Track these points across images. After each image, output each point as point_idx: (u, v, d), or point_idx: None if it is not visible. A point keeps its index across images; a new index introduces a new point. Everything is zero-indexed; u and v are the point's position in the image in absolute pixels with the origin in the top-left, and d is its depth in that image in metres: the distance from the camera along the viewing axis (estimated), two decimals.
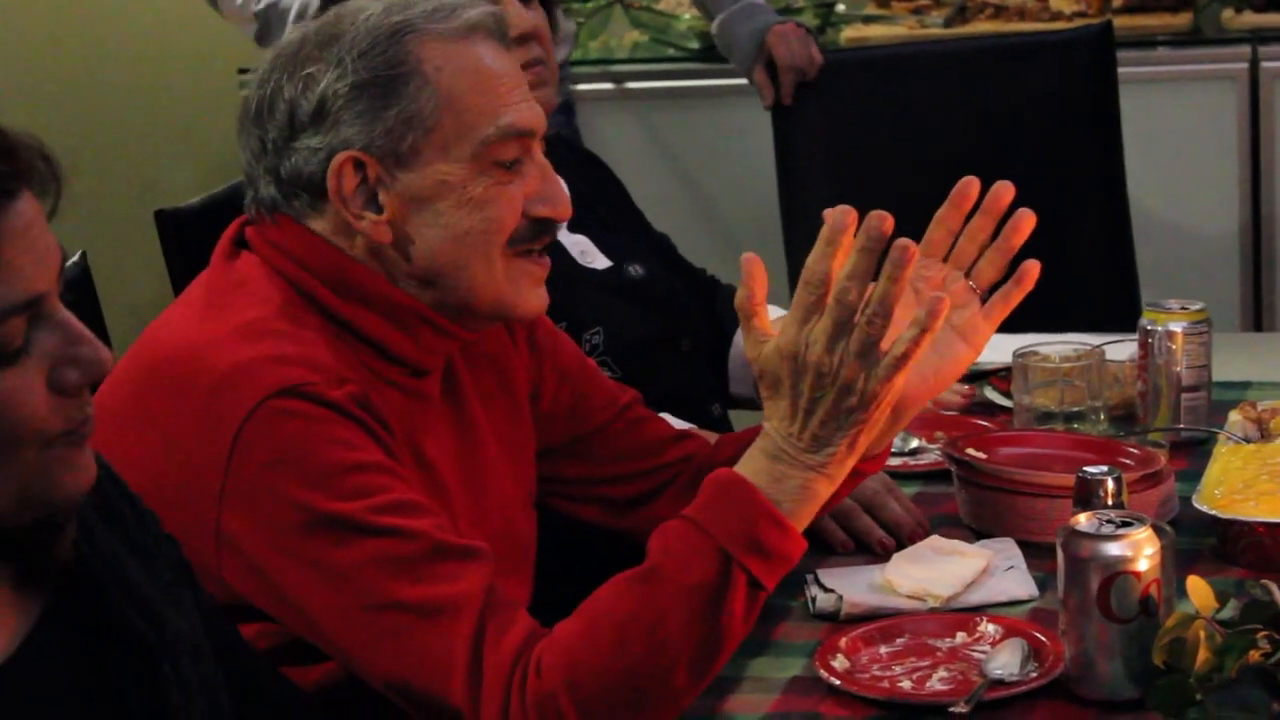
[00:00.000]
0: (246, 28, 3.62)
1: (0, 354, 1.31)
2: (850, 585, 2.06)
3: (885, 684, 1.86)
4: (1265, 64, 4.09)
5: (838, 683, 1.86)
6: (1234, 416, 2.38)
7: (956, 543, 2.13)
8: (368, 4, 1.88)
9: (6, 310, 1.31)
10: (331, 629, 1.74)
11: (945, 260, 1.93)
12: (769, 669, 1.94)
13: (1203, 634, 1.72)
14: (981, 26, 4.33)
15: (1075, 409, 2.41)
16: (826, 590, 2.06)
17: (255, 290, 1.86)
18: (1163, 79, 4.14)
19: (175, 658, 1.46)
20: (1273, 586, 1.77)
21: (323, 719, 1.76)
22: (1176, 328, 2.43)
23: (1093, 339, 2.55)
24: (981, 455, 2.25)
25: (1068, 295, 3.18)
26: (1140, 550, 1.79)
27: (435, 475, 1.89)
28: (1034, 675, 1.84)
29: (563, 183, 1.91)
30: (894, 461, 2.39)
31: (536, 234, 1.89)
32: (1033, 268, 1.87)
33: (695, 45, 4.33)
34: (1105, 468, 1.98)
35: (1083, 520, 1.82)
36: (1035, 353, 2.45)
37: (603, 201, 2.74)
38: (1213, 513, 2.10)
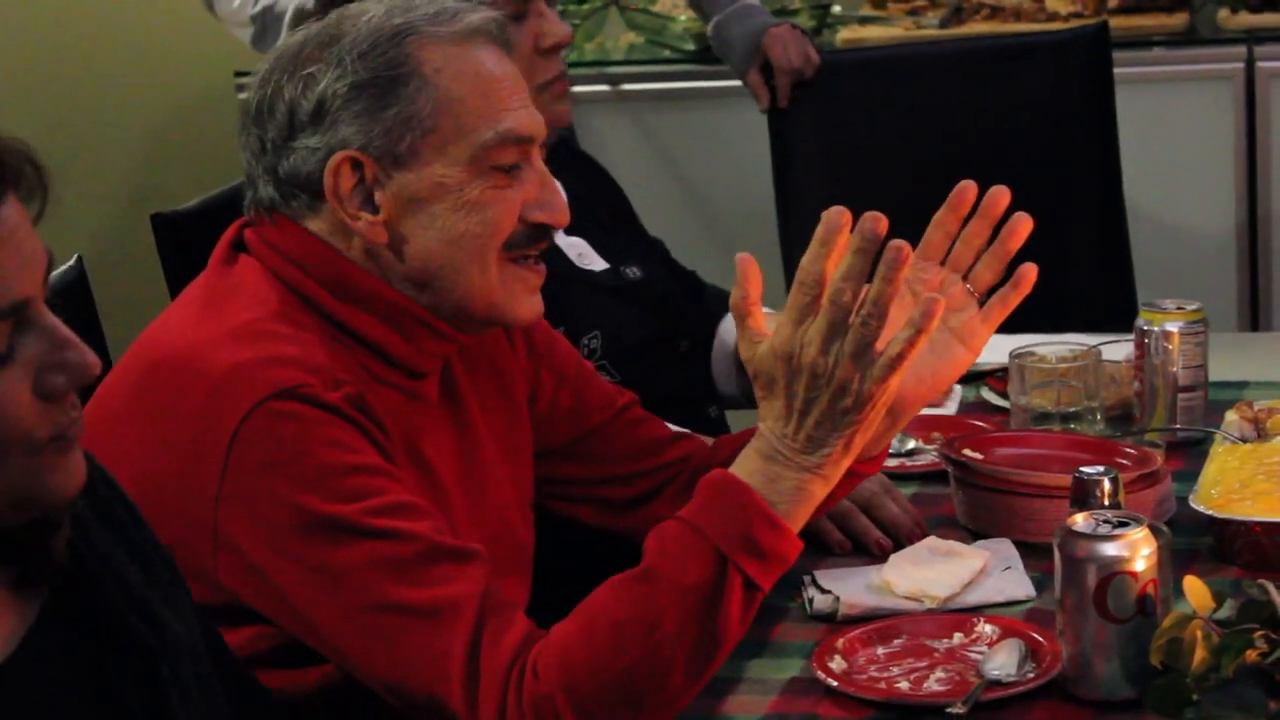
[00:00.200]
0: (242, 31, 3.61)
1: None
2: (847, 586, 2.06)
3: (883, 685, 1.86)
4: (1261, 64, 4.09)
5: (835, 684, 1.86)
6: (1230, 416, 2.38)
7: (953, 543, 2.13)
8: (369, 6, 1.88)
9: None
10: (328, 631, 1.74)
11: (943, 263, 1.94)
12: (766, 670, 1.94)
13: (1200, 634, 1.73)
14: (977, 27, 4.33)
15: (1072, 409, 2.41)
16: (824, 591, 2.06)
17: (252, 292, 1.86)
18: (1159, 79, 4.14)
19: (174, 659, 1.46)
20: (1269, 586, 1.77)
21: None
22: (1173, 328, 2.43)
23: (1089, 339, 2.55)
24: (978, 456, 2.25)
25: (1064, 295, 3.17)
26: (1137, 550, 1.79)
27: (434, 477, 1.89)
28: (1031, 676, 1.84)
29: (561, 189, 1.91)
30: (891, 462, 2.39)
31: (533, 240, 1.89)
32: (1030, 271, 1.87)
33: (691, 47, 4.33)
34: (1102, 468, 1.98)
35: (1079, 520, 1.82)
36: (1032, 353, 2.45)
37: (600, 204, 2.74)
38: (1209, 512, 2.10)
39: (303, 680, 1.80)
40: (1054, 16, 4.29)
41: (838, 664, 1.90)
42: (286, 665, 1.80)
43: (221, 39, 4.00)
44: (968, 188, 1.90)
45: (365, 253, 1.86)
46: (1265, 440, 2.30)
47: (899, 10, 4.50)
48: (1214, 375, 2.49)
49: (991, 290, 1.93)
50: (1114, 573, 1.78)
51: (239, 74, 4.33)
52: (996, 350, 2.28)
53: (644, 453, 2.12)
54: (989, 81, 3.72)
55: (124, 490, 1.55)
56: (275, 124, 1.86)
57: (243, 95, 4.00)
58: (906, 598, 2.04)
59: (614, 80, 4.32)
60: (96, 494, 1.49)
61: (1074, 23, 4.13)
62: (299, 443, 1.74)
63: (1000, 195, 1.90)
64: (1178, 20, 4.24)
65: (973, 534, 2.21)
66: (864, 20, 4.48)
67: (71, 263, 2.42)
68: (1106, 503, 1.94)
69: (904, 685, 1.86)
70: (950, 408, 2.63)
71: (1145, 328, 2.44)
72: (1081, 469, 1.98)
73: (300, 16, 3.41)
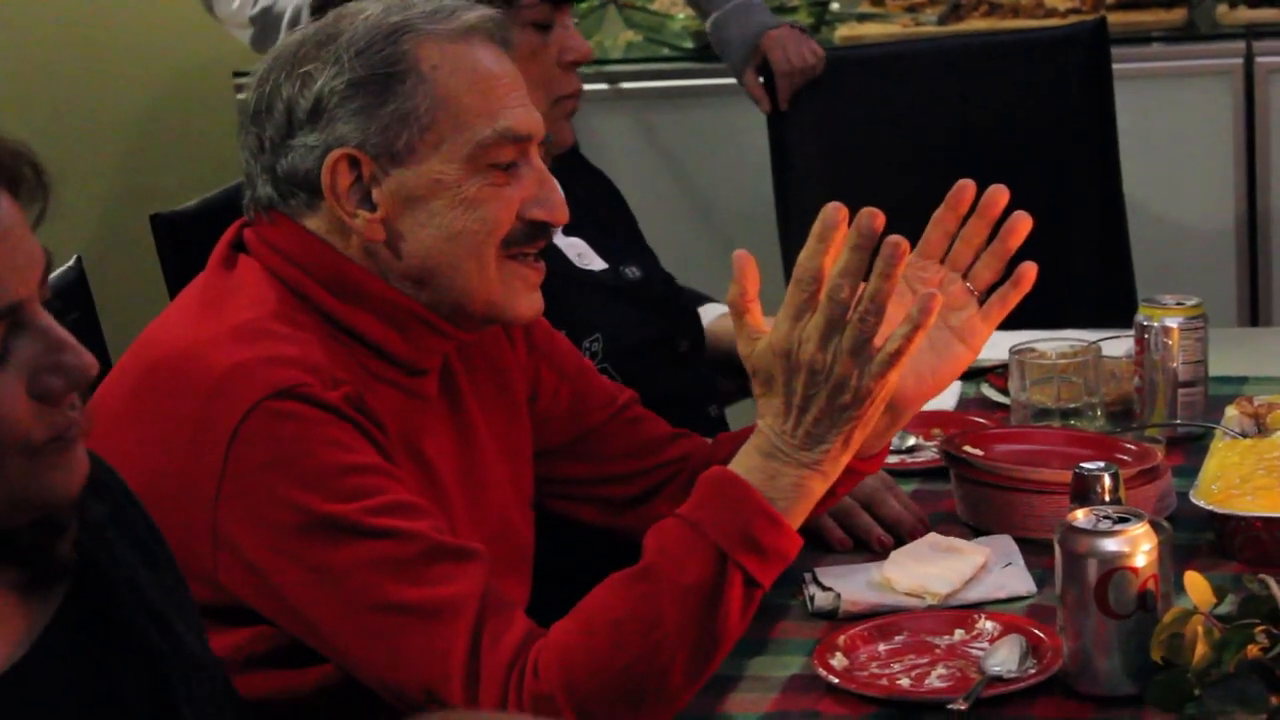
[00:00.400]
0: (241, 33, 3.61)
1: None
2: (848, 583, 2.06)
3: (884, 681, 1.86)
4: (1260, 59, 4.08)
5: (836, 681, 1.86)
6: (1230, 411, 2.38)
7: (954, 540, 2.13)
8: (367, 5, 1.88)
9: None
10: (328, 630, 1.74)
11: (942, 262, 1.94)
12: (768, 667, 1.93)
13: (1200, 629, 1.73)
14: (976, 24, 4.33)
15: (1072, 405, 2.41)
16: (825, 588, 2.06)
17: (251, 291, 1.86)
18: (1158, 75, 4.14)
19: (186, 673, 1.45)
20: (1270, 581, 1.77)
21: None
22: (1173, 323, 2.43)
23: (1089, 335, 2.55)
24: (979, 452, 2.25)
25: (1064, 291, 3.18)
26: (1138, 546, 1.79)
27: (434, 476, 1.89)
28: (1032, 671, 1.84)
29: (559, 188, 1.91)
30: (892, 459, 2.38)
31: (531, 237, 1.89)
32: (1030, 270, 1.87)
33: (689, 45, 4.33)
34: (1102, 464, 1.98)
35: (1080, 516, 1.82)
36: (1032, 349, 2.45)
37: (598, 205, 2.74)
38: (1210, 508, 2.10)
39: (302, 680, 1.80)
40: (1052, 13, 4.28)
41: (839, 661, 1.90)
42: (286, 665, 1.79)
43: (221, 40, 4.00)
44: (966, 186, 1.90)
45: (363, 250, 1.86)
46: (1265, 435, 2.30)
47: (897, 7, 4.50)
48: (1214, 370, 2.49)
49: (991, 289, 1.94)
50: (1114, 568, 1.78)
51: (238, 74, 4.33)
52: (997, 346, 2.28)
53: (644, 451, 2.12)
54: (987, 78, 3.72)
55: (140, 503, 1.53)
56: (273, 123, 1.86)
57: (241, 95, 4.00)
58: (907, 594, 2.04)
59: (612, 79, 4.31)
60: (118, 506, 1.48)
61: (1072, 19, 4.13)
62: (298, 442, 1.74)
63: (999, 194, 1.90)
64: (1176, 16, 4.23)
65: (973, 530, 2.21)
66: (862, 17, 4.48)
67: (70, 263, 2.42)
68: (1107, 498, 1.94)
69: (905, 682, 1.86)
70: (949, 402, 2.63)
71: (1145, 323, 2.44)
72: (1082, 465, 1.98)
73: (298, 19, 3.41)
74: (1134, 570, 1.78)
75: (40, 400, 1.33)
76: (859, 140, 3.72)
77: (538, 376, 2.08)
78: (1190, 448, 2.38)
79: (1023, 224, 1.90)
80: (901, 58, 3.86)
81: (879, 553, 2.16)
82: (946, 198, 1.91)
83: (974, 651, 1.91)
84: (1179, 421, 2.43)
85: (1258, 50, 4.09)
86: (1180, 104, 4.12)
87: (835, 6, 4.50)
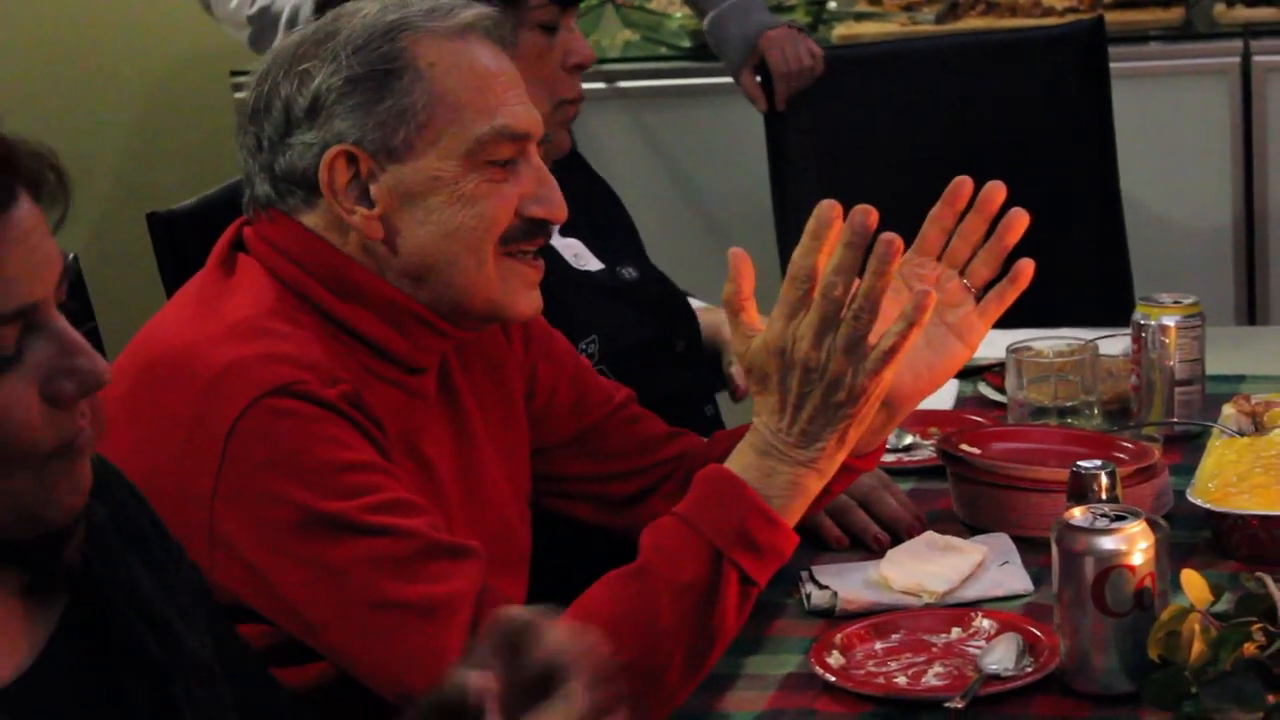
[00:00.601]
0: (239, 32, 3.61)
1: None
2: (845, 581, 2.06)
3: (881, 680, 1.86)
4: (1257, 58, 4.08)
5: (833, 679, 1.86)
6: (1228, 410, 2.38)
7: (951, 538, 2.13)
8: (365, 4, 1.88)
9: None
10: (325, 628, 1.74)
11: (939, 259, 1.94)
12: (764, 666, 1.93)
13: (1197, 627, 1.73)
14: (973, 23, 4.33)
15: (1069, 404, 2.41)
16: (821, 586, 2.05)
17: (249, 290, 1.86)
18: (1155, 74, 4.14)
19: (187, 680, 1.44)
20: (1267, 579, 1.77)
21: None
22: (1170, 322, 2.43)
23: (1086, 334, 2.55)
24: (975, 451, 2.25)
25: (1061, 290, 3.17)
26: (1134, 544, 1.79)
27: (432, 474, 1.89)
28: (1029, 670, 1.84)
29: (558, 187, 1.91)
30: (888, 458, 2.39)
31: (530, 234, 1.89)
32: (1027, 266, 1.88)
33: (687, 44, 4.33)
34: (1099, 462, 1.98)
35: (1077, 514, 1.82)
36: (1029, 348, 2.45)
37: (595, 205, 2.74)
38: (1207, 506, 2.10)
39: (301, 678, 1.80)
40: (1050, 11, 4.28)
41: (835, 659, 1.90)
42: (284, 663, 1.79)
43: (218, 39, 4.00)
44: (963, 183, 1.90)
45: (362, 247, 1.86)
46: (1262, 434, 2.30)
47: (894, 6, 4.50)
48: (1211, 369, 2.49)
49: (988, 285, 1.94)
50: (1111, 566, 1.78)
51: (235, 73, 4.33)
52: (993, 345, 2.28)
53: (641, 449, 2.12)
54: (985, 77, 3.72)
55: (149, 504, 1.52)
56: (272, 121, 1.86)
57: (239, 95, 4.00)
58: (904, 592, 2.04)
59: (610, 78, 4.31)
60: (119, 505, 1.48)
61: (1069, 18, 4.12)
62: (296, 440, 1.74)
63: (996, 190, 1.90)
64: (1174, 15, 4.23)
65: (970, 529, 2.21)
66: (860, 16, 4.48)
67: (67, 261, 2.41)
68: (1104, 497, 1.94)
69: (902, 680, 1.86)
70: (946, 401, 2.63)
71: (1142, 322, 2.44)
72: (1079, 463, 1.98)
73: (296, 19, 3.41)
74: (1131, 568, 1.78)
75: (52, 404, 1.31)
76: (856, 139, 3.72)
77: (535, 374, 2.08)
78: (1187, 446, 2.38)
79: (1020, 220, 1.90)
80: (899, 57, 3.86)
81: (876, 551, 2.16)
82: (944, 194, 1.91)
83: (971, 650, 1.91)
84: (1176, 420, 2.43)
85: (1255, 49, 4.09)
86: (1178, 103, 4.12)
87: (832, 5, 4.50)
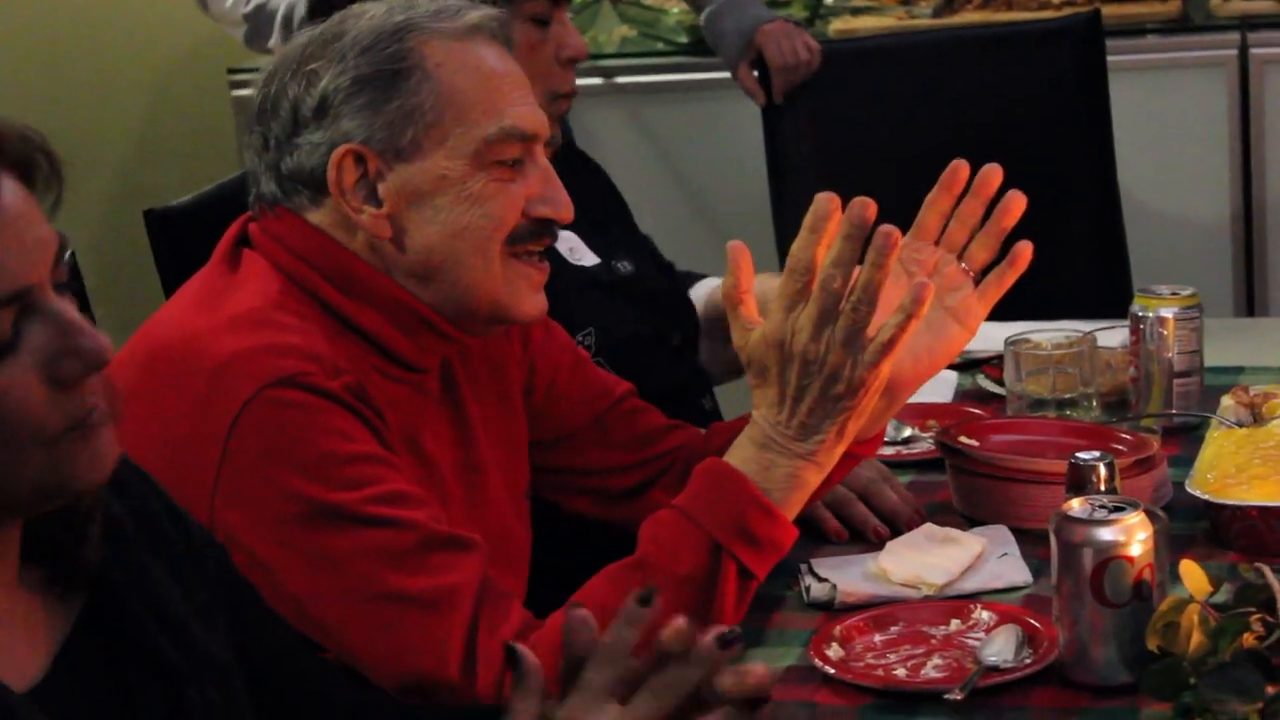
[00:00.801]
0: (235, 30, 3.62)
1: None
2: (844, 574, 2.06)
3: (880, 672, 1.86)
4: (1254, 50, 4.08)
5: (833, 671, 1.86)
6: (1226, 401, 2.38)
7: (950, 530, 2.13)
8: (371, 6, 1.89)
9: None
10: (326, 619, 1.74)
11: (937, 243, 1.94)
12: (764, 658, 1.93)
13: (1196, 618, 1.73)
14: (970, 16, 4.33)
15: (1067, 396, 2.41)
16: (821, 579, 2.05)
17: (255, 283, 1.86)
18: (1152, 66, 4.14)
19: (201, 683, 1.44)
20: (1266, 570, 1.77)
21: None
22: (1168, 313, 2.43)
23: (1084, 326, 2.55)
24: (974, 443, 2.25)
25: (1059, 282, 3.17)
26: (1133, 535, 1.79)
27: (434, 470, 1.89)
28: (1028, 661, 1.84)
29: (564, 187, 1.91)
30: (887, 450, 2.39)
31: (536, 234, 1.89)
32: (1026, 249, 1.88)
33: (684, 39, 4.33)
34: (1098, 454, 1.98)
35: (1076, 506, 1.82)
36: (1027, 340, 2.45)
37: (592, 199, 2.74)
38: (1205, 497, 2.10)
39: None
40: (1046, 5, 4.28)
41: (835, 651, 1.90)
42: None
43: (215, 36, 4.01)
44: (960, 167, 1.90)
45: (368, 246, 1.86)
46: (1261, 425, 2.30)
47: (891, 0, 4.50)
48: (1209, 360, 2.49)
49: (987, 269, 1.94)
50: (1110, 558, 1.78)
51: (232, 71, 4.33)
52: (992, 337, 2.29)
53: (641, 442, 2.12)
54: (982, 70, 3.72)
55: (173, 501, 1.52)
56: (279, 121, 1.86)
57: (238, 93, 4.00)
58: (903, 585, 2.04)
59: (607, 73, 4.31)
60: (144, 506, 1.47)
61: (1066, 11, 4.13)
62: (299, 430, 1.74)
63: (993, 173, 1.90)
64: (1171, 7, 4.23)
65: (969, 521, 2.21)
66: (856, 10, 4.48)
67: (64, 243, 2.41)
68: (1102, 488, 1.94)
69: (901, 672, 1.86)
70: (945, 393, 2.63)
71: (1140, 314, 2.44)
72: (1077, 455, 1.98)
73: (291, 17, 3.41)
74: (1129, 560, 1.78)
75: (57, 386, 1.31)
76: (853, 133, 3.72)
77: (533, 369, 2.08)
78: (1186, 437, 2.38)
79: (1016, 203, 1.90)
80: (896, 50, 3.86)
81: (875, 543, 2.16)
82: (940, 178, 1.91)
83: (970, 642, 1.91)
84: (1174, 411, 2.43)
85: (1252, 42, 4.09)
86: (1175, 95, 4.11)
87: (829, 0, 4.50)
